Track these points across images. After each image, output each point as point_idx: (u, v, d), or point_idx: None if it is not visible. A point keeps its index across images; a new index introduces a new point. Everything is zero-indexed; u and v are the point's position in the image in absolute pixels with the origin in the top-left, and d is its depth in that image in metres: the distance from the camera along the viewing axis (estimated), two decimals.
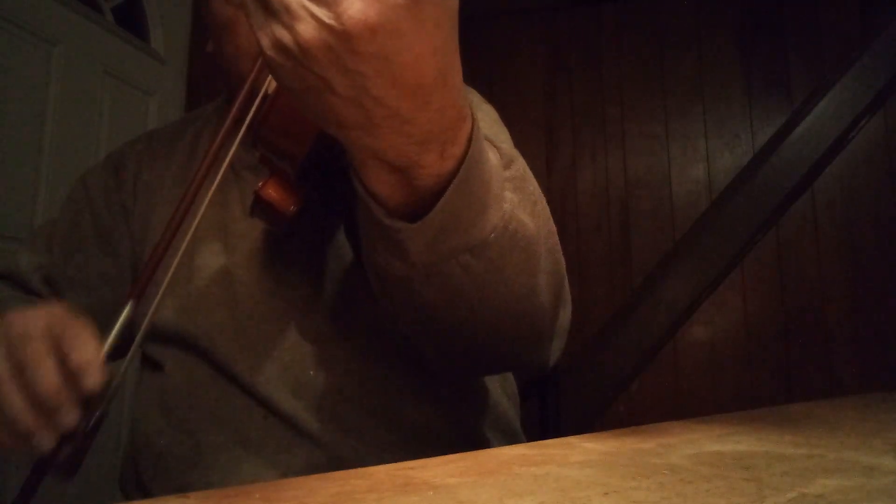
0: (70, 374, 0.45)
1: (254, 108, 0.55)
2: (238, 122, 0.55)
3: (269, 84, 0.55)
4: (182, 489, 0.61)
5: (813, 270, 2.00)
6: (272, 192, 0.56)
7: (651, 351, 2.03)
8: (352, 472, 0.33)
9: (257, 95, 0.55)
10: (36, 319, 0.48)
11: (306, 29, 0.31)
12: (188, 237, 0.53)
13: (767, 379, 1.99)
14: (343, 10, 0.30)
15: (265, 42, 0.33)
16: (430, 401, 0.63)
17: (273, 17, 0.32)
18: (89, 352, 0.46)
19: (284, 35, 0.32)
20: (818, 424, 0.46)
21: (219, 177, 0.55)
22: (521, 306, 0.49)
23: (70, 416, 0.45)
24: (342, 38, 0.31)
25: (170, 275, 0.53)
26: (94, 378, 0.45)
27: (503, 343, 0.52)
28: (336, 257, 0.64)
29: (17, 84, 1.75)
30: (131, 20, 2.19)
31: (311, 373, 0.61)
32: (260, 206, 0.57)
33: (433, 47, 0.33)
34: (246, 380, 0.61)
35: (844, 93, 1.95)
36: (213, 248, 0.66)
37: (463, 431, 0.64)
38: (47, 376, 0.45)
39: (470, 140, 0.40)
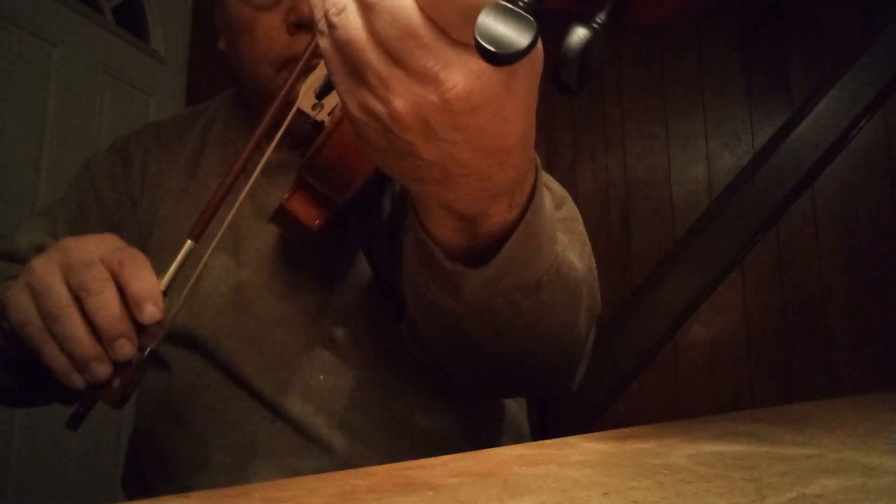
0: (130, 304, 0.45)
1: (286, 123, 0.54)
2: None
3: (304, 98, 0.55)
4: (187, 490, 0.61)
5: (813, 270, 2.00)
6: (299, 207, 0.55)
7: (651, 351, 2.02)
8: (352, 472, 0.33)
9: (287, 103, 0.55)
10: (94, 245, 0.47)
11: (403, 104, 0.30)
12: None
13: (767, 379, 1.99)
14: (447, 89, 0.29)
15: (352, 105, 0.32)
16: (440, 408, 0.62)
17: (364, 84, 0.31)
18: (149, 283, 0.45)
19: (376, 105, 0.31)
20: (818, 424, 0.46)
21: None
22: (560, 342, 0.50)
23: (128, 347, 0.45)
24: (440, 114, 0.30)
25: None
26: (154, 309, 0.45)
27: (536, 373, 0.53)
28: (350, 264, 0.63)
29: (17, 84, 1.75)
30: (131, 20, 2.20)
31: (321, 378, 0.61)
32: (283, 218, 0.56)
33: (521, 113, 0.33)
34: (254, 383, 0.61)
35: (844, 93, 1.94)
36: (223, 249, 0.66)
37: (473, 438, 0.64)
38: (109, 304, 0.44)
39: (534, 188, 0.40)
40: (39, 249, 0.70)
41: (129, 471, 0.68)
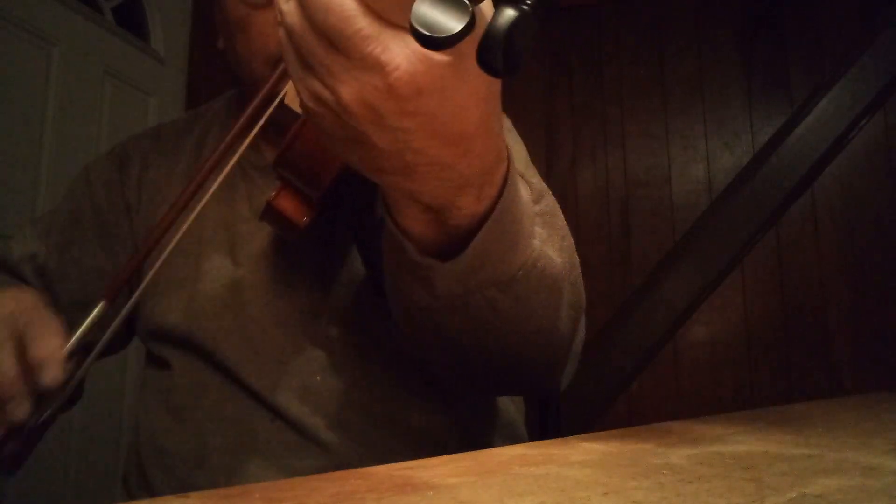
0: (28, 367, 0.44)
1: (268, 112, 0.54)
2: (251, 124, 0.55)
3: (287, 92, 0.55)
4: (187, 489, 0.61)
5: (813, 270, 2.00)
6: (286, 204, 0.55)
7: (651, 351, 2.02)
8: (352, 472, 0.33)
9: (273, 100, 0.55)
10: (5, 303, 0.47)
11: (348, 91, 0.30)
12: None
13: (767, 379, 1.99)
14: (388, 72, 0.29)
15: (304, 94, 0.33)
16: (437, 408, 0.62)
17: (312, 72, 0.31)
18: (51, 346, 0.44)
19: (325, 93, 0.31)
20: (818, 424, 0.46)
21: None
22: (541, 338, 0.50)
23: (20, 410, 0.43)
24: (386, 100, 0.30)
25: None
26: (52, 374, 0.44)
27: (520, 371, 0.53)
28: (345, 264, 0.63)
29: (17, 84, 1.75)
30: (131, 20, 2.19)
31: (318, 378, 0.61)
32: (272, 216, 0.56)
33: (476, 98, 0.32)
34: (252, 384, 0.61)
35: (844, 93, 1.94)
36: (219, 249, 0.66)
37: (470, 438, 0.64)
38: (3, 365, 0.43)
39: (505, 180, 0.39)
40: (32, 258, 0.70)
41: (129, 470, 0.68)
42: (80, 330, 0.48)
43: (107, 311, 0.50)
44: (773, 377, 1.98)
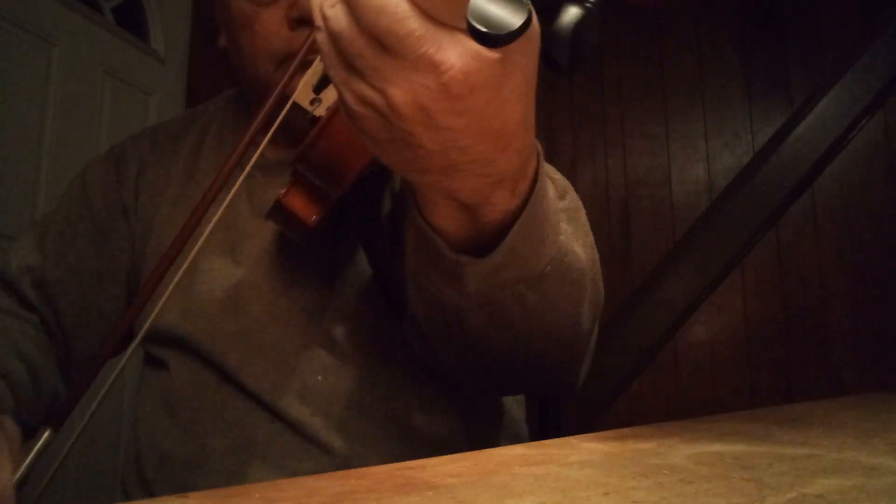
0: None
1: (283, 113, 0.54)
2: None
3: (301, 93, 0.54)
4: (186, 491, 0.61)
5: (813, 270, 2.00)
6: (296, 202, 0.55)
7: (651, 351, 2.02)
8: (352, 472, 0.33)
9: (285, 100, 0.54)
10: None
11: (399, 93, 0.30)
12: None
13: (767, 379, 1.99)
14: (443, 71, 0.29)
15: (350, 98, 0.32)
16: (440, 409, 0.62)
17: (359, 75, 0.31)
18: (1, 482, 0.43)
19: (374, 96, 0.31)
20: (818, 424, 0.46)
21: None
22: (564, 334, 0.50)
23: None
24: (439, 99, 0.30)
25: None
26: None
27: (541, 368, 0.53)
28: (350, 264, 0.63)
29: (17, 84, 1.75)
30: (131, 20, 2.19)
31: (319, 378, 0.61)
32: (280, 214, 0.56)
33: (518, 93, 0.32)
34: (252, 385, 0.61)
35: (844, 93, 1.94)
36: (218, 249, 0.65)
37: (472, 439, 0.64)
38: None
39: (536, 175, 0.40)
40: (30, 271, 0.69)
41: (129, 471, 0.68)
42: (28, 460, 0.48)
43: (52, 439, 0.50)
44: (773, 377, 1.98)
